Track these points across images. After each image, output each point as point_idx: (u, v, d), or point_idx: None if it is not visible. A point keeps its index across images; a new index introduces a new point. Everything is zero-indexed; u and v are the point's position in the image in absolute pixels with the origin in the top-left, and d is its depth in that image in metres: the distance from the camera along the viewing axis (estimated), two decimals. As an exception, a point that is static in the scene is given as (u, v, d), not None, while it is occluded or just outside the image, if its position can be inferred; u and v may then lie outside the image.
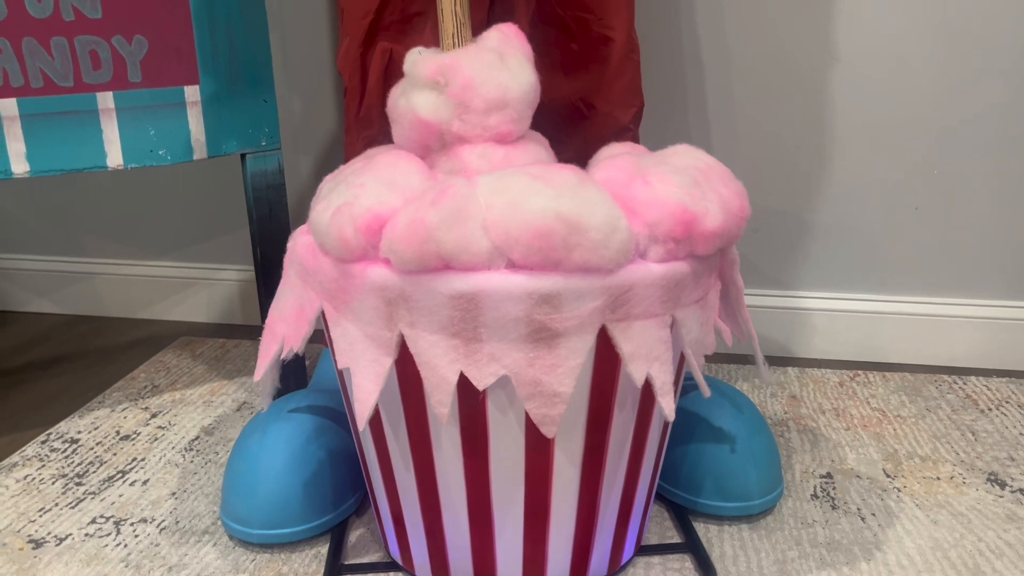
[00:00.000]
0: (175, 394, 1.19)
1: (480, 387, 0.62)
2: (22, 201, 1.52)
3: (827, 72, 1.20)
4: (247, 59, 1.04)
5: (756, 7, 1.19)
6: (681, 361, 0.71)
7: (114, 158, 0.98)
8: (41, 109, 0.92)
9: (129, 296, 1.51)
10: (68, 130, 0.94)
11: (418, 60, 0.74)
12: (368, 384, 0.65)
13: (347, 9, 0.95)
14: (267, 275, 1.12)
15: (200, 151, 1.03)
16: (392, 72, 0.94)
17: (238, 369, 1.28)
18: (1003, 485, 0.94)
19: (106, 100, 0.96)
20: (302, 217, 1.32)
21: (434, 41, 0.98)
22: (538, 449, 0.67)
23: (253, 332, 1.43)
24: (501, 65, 0.72)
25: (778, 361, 1.29)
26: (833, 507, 0.89)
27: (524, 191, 0.61)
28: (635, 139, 0.98)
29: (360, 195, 0.65)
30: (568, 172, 0.64)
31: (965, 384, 1.19)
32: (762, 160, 1.25)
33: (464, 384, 0.63)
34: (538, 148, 0.76)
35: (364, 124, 0.95)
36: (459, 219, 0.60)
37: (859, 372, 1.24)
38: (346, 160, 0.96)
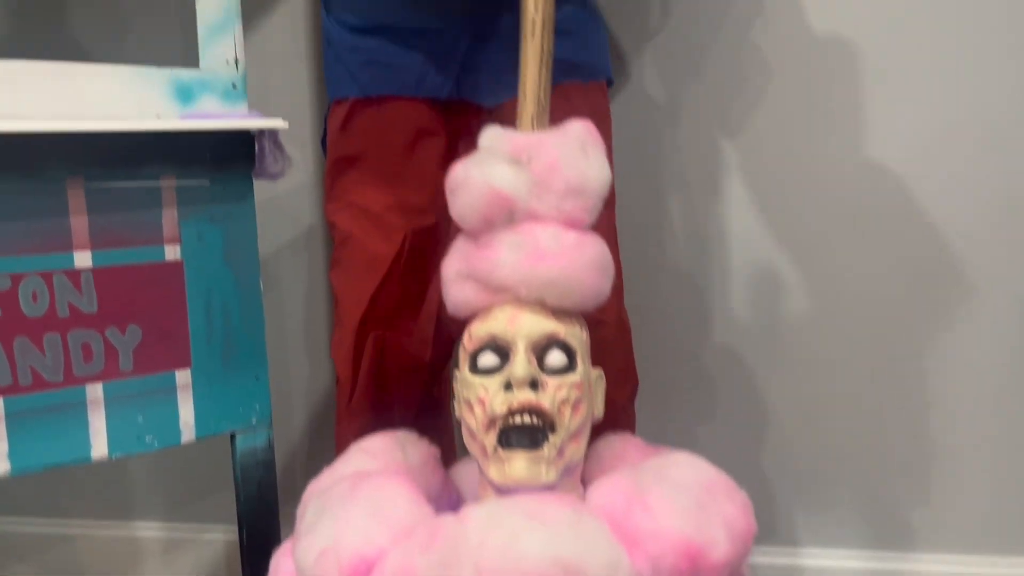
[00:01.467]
0: None
1: None
2: None
3: (816, 339, 1.20)
4: (241, 337, 1.04)
5: (742, 282, 1.22)
6: None
7: (99, 449, 0.95)
8: (27, 406, 0.91)
9: (111, 560, 1.44)
10: (53, 425, 0.92)
11: (501, 135, 0.75)
12: None
13: (342, 298, 0.96)
14: (252, 557, 1.06)
15: (188, 434, 1.01)
16: (384, 361, 0.94)
17: (220, 651, 1.19)
18: None
19: (95, 391, 0.95)
20: (290, 488, 1.29)
21: (428, 323, 0.99)
22: None
23: (239, 601, 1.35)
24: (583, 154, 0.73)
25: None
26: None
27: (519, 531, 0.58)
28: (631, 418, 0.97)
29: (345, 534, 0.62)
30: (564, 507, 0.61)
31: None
32: (757, 419, 1.23)
33: None
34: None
35: (355, 414, 0.94)
36: (450, 565, 0.57)
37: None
38: (337, 449, 0.94)
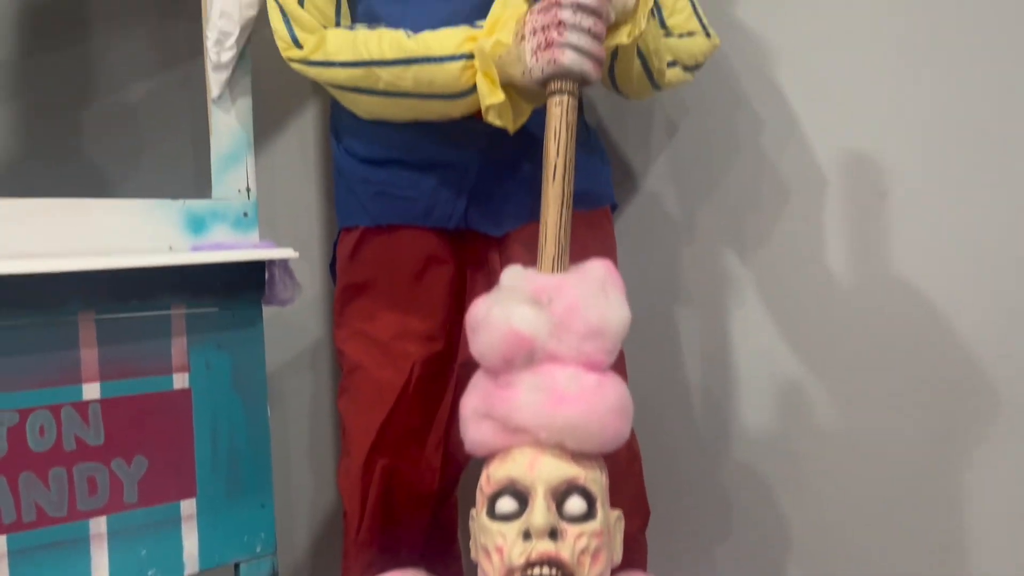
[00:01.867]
0: None
1: None
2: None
3: (839, 456, 1.18)
4: (247, 464, 1.03)
5: (760, 399, 1.21)
6: None
7: (100, 586, 0.93)
8: (30, 543, 0.89)
9: None
10: (55, 562, 0.91)
11: (523, 275, 0.75)
12: None
13: (350, 427, 0.95)
14: None
15: (192, 565, 0.99)
16: (392, 492, 0.93)
17: None
18: None
19: (99, 525, 0.93)
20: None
21: (436, 451, 0.98)
22: None
23: None
24: (603, 296, 0.74)
25: None
26: None
27: None
28: (643, 550, 0.96)
29: None
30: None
31: None
32: (777, 540, 1.21)
33: None
34: None
35: (363, 547, 0.92)
36: None
37: None
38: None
